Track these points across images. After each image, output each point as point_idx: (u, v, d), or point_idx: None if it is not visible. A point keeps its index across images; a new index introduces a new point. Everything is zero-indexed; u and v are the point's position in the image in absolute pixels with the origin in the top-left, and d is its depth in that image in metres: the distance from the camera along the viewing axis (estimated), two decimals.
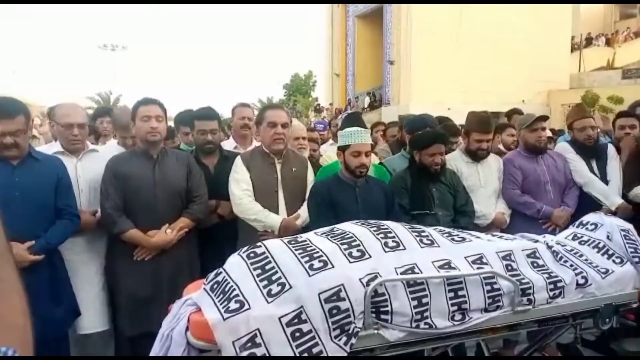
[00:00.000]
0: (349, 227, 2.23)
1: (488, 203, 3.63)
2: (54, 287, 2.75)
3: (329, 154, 4.41)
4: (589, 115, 3.99)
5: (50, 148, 3.08)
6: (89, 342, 3.18)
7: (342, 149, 2.97)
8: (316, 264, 1.92)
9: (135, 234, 2.95)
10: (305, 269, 1.89)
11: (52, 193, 2.71)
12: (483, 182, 3.67)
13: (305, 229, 3.16)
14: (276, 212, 3.19)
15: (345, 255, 1.99)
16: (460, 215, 3.37)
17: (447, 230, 2.39)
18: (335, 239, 2.10)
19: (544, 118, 3.81)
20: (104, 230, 3.04)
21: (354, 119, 3.61)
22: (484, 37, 21.60)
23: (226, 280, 1.92)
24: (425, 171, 3.28)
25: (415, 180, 3.31)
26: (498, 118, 23.74)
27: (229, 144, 4.03)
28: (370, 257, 2.01)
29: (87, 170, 3.08)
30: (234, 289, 1.85)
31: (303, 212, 3.18)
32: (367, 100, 25.93)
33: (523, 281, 2.16)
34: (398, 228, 2.22)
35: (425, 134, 3.32)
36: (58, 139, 3.12)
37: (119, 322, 3.04)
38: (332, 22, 27.92)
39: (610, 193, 3.67)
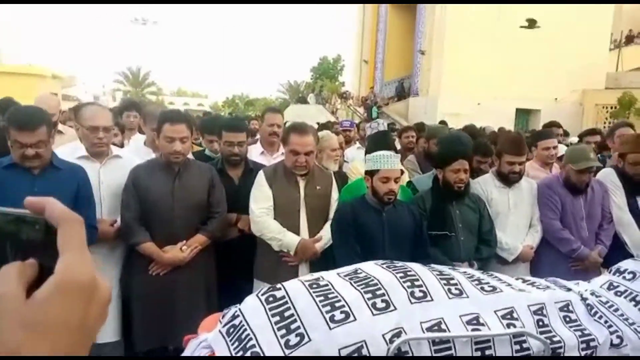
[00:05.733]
0: (373, 269, 2.13)
1: (516, 233, 3.47)
2: None
3: (354, 164, 4.32)
4: None
5: (74, 151, 3.02)
6: (100, 352, 3.17)
7: (369, 173, 2.85)
8: (338, 315, 1.83)
9: (150, 247, 2.91)
10: (326, 320, 1.81)
11: (72, 204, 2.66)
12: (513, 208, 3.51)
13: (327, 250, 3.10)
14: (297, 231, 3.11)
15: (368, 305, 1.90)
16: (483, 244, 3.25)
17: (476, 276, 2.27)
18: (359, 285, 2.00)
19: (594, 163, 3.43)
20: (123, 240, 3.01)
21: (380, 139, 3.51)
22: (520, 32, 20.98)
23: (243, 325, 1.85)
24: (448, 190, 3.17)
25: (436, 200, 3.20)
26: (528, 116, 23.16)
27: (255, 149, 3.99)
28: (395, 309, 1.91)
29: (109, 177, 3.03)
30: (251, 338, 1.78)
31: (325, 234, 3.10)
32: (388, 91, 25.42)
33: (554, 339, 2.04)
34: (426, 275, 2.11)
35: (448, 150, 3.20)
36: (82, 141, 3.07)
37: (131, 334, 3.02)
38: (364, 7, 27.45)
39: None
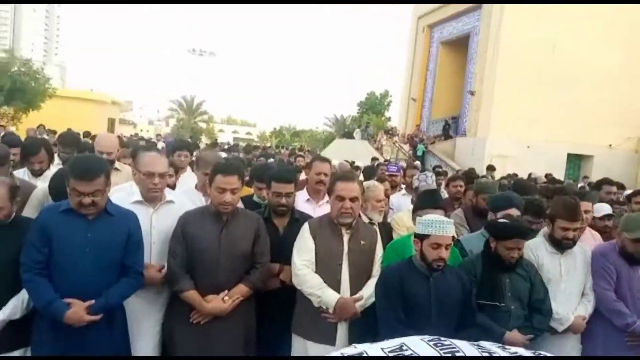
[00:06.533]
0: (420, 346, 2.05)
1: (567, 303, 3.32)
2: (112, 344, 2.77)
3: (400, 215, 4.26)
4: None
5: (129, 196, 3.09)
6: None
7: (419, 237, 2.79)
8: None
9: (192, 295, 2.94)
10: None
11: (122, 250, 2.74)
12: (565, 276, 3.36)
13: (368, 309, 3.04)
14: (338, 286, 3.08)
15: None
16: (536, 312, 3.12)
17: (529, 356, 2.17)
18: None
19: None
20: (168, 286, 3.06)
21: (429, 198, 3.45)
22: (574, 74, 20.47)
23: None
24: (498, 261, 3.08)
25: (487, 267, 3.10)
26: (580, 162, 22.25)
27: (301, 196, 4.02)
28: None
29: (161, 223, 3.09)
30: None
31: (366, 294, 3.05)
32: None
33: None
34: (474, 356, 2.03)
35: (506, 225, 3.09)
36: (138, 186, 3.15)
37: None
38: (415, 46, 27.62)
39: None
